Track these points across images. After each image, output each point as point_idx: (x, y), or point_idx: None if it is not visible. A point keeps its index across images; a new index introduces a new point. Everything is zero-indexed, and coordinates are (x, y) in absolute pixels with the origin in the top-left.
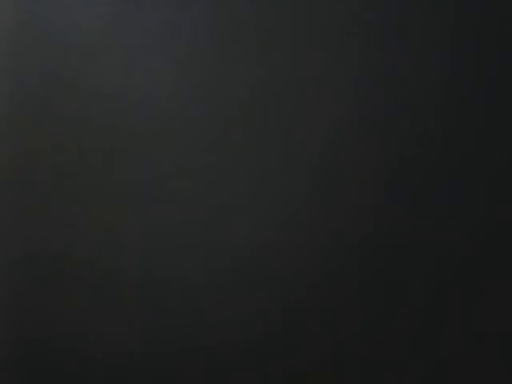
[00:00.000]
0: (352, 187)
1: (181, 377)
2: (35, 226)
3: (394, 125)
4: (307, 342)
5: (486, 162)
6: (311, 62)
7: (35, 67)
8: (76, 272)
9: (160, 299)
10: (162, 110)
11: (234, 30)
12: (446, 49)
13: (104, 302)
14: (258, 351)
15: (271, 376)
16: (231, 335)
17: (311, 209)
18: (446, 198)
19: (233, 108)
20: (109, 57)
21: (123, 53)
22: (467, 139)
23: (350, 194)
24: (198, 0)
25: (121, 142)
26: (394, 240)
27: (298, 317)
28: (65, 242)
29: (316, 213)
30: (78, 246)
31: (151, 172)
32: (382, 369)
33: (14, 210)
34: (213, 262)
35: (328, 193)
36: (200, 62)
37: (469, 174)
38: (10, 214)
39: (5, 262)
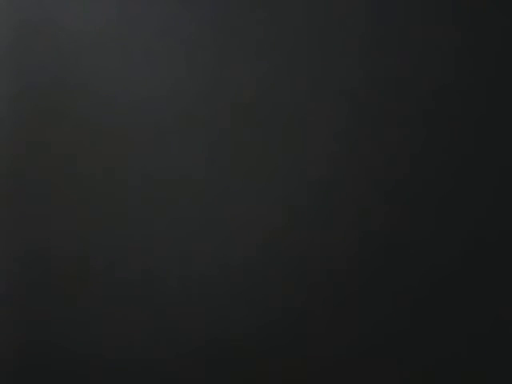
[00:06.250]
0: (353, 186)
1: (181, 376)
2: (35, 225)
3: (394, 125)
4: (308, 341)
5: (486, 162)
6: (311, 62)
7: (36, 68)
8: (76, 272)
9: (160, 299)
10: (163, 110)
11: (234, 30)
12: (445, 49)
13: (104, 302)
14: (258, 350)
15: (271, 375)
16: (231, 334)
17: (312, 209)
18: (446, 198)
19: (233, 108)
20: (109, 57)
21: (124, 53)
22: (467, 139)
23: (351, 193)
24: (198, 0)
25: (121, 142)
26: (395, 240)
27: (299, 316)
28: (65, 241)
29: (317, 213)
30: (78, 245)
31: (152, 171)
32: (382, 369)
33: (14, 210)
34: (213, 261)
35: (329, 192)
36: (200, 62)
37: (469, 174)
38: (10, 214)
39: (5, 261)
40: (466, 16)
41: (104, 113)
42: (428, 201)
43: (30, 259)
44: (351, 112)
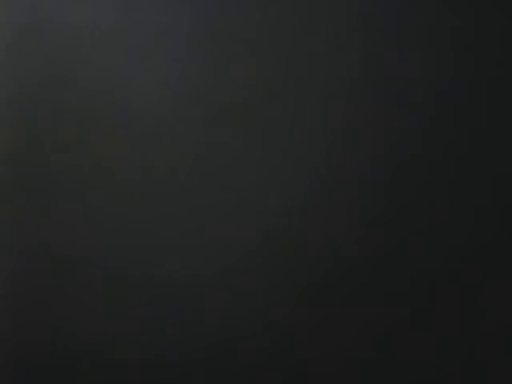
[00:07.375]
0: (352, 185)
1: (181, 376)
2: (36, 225)
3: (394, 124)
4: (308, 341)
5: (486, 162)
6: (311, 62)
7: (36, 67)
8: (76, 272)
9: (160, 298)
10: (163, 110)
11: (234, 29)
12: (445, 49)
13: (104, 302)
14: (258, 350)
15: (271, 376)
16: (231, 334)
17: (312, 209)
18: (446, 197)
19: (233, 107)
20: (109, 56)
21: (123, 52)
22: (467, 138)
23: (351, 193)
24: (197, 0)
25: (122, 141)
26: (395, 239)
27: (299, 316)
28: (65, 241)
29: (317, 213)
30: (78, 246)
31: (152, 171)
32: (382, 369)
33: (15, 210)
34: (212, 261)
35: (329, 192)
36: (200, 61)
37: (469, 174)
38: (11, 214)
39: (5, 261)
40: (466, 16)
41: (104, 112)
42: (428, 200)
43: (30, 259)
44: (351, 111)
